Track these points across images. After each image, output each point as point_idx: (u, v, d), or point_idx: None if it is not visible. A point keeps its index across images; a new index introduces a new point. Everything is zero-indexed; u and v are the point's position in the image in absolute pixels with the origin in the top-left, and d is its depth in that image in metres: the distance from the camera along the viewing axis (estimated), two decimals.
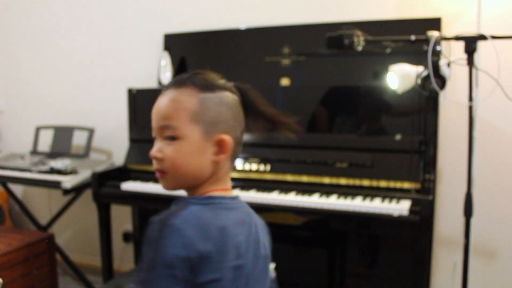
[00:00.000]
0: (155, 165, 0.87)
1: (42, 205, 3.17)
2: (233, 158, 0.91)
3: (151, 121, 0.88)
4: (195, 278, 0.77)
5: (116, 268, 2.72)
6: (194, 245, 0.76)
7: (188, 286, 0.76)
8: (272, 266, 1.58)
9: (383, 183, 1.89)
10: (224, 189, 0.91)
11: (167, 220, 0.78)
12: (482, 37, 1.55)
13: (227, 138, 0.86)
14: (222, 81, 0.91)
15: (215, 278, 0.79)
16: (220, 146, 0.86)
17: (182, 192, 0.92)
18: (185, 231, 0.77)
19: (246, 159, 2.11)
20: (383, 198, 1.84)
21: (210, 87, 0.87)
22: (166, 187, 0.88)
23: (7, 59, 3.26)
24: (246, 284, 0.84)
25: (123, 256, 2.87)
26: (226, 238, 0.81)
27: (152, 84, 2.70)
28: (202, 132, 0.85)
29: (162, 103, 0.86)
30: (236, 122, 0.89)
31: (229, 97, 0.89)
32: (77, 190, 2.42)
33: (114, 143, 2.90)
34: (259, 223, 0.95)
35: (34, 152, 2.87)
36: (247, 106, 0.93)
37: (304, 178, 2.01)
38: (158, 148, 0.85)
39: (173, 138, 0.84)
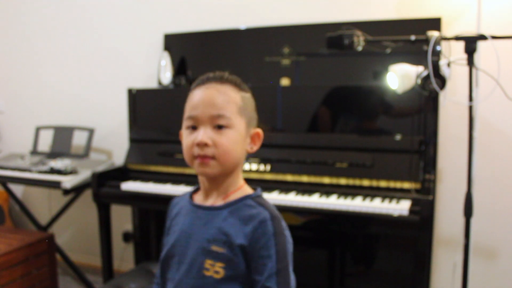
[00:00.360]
0: (201, 152, 0.93)
1: (42, 205, 3.17)
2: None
3: (195, 109, 0.95)
4: None
5: (116, 268, 2.72)
6: None
7: None
8: None
9: (383, 183, 1.89)
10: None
11: (278, 216, 0.95)
12: (482, 37, 1.55)
13: (261, 132, 1.00)
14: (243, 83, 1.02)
15: None
16: (254, 138, 0.99)
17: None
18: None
19: (246, 159, 2.10)
20: (383, 198, 1.83)
21: (244, 87, 1.00)
22: (211, 172, 0.95)
23: (7, 59, 3.26)
24: None
25: (123, 256, 2.87)
26: None
27: (152, 84, 2.70)
28: (246, 124, 0.97)
29: (212, 94, 0.95)
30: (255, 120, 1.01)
31: (252, 98, 1.02)
32: (77, 190, 2.42)
33: (114, 143, 2.90)
34: None
35: (34, 152, 2.87)
36: None
37: (304, 178, 2.01)
38: (207, 135, 0.92)
39: (222, 127, 0.93)
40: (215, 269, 0.93)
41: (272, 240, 0.92)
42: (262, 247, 0.92)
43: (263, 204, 0.97)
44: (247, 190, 1.01)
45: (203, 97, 0.95)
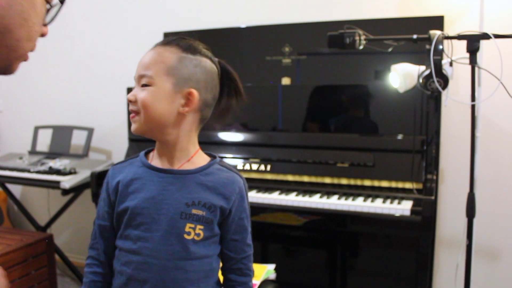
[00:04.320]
0: (130, 108, 0.99)
1: (40, 205, 3.16)
2: (201, 119, 1.02)
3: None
4: None
5: None
6: None
7: None
8: (272, 266, 1.56)
9: (384, 183, 1.88)
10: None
11: (244, 179, 1.06)
12: (485, 36, 1.54)
13: (195, 92, 0.97)
14: (205, 50, 1.03)
15: None
16: (187, 99, 0.97)
17: None
18: None
19: (246, 159, 2.09)
20: (385, 198, 1.82)
21: (192, 50, 1.01)
22: (136, 128, 0.98)
23: None
24: None
25: None
26: None
27: None
28: (173, 84, 0.96)
29: (146, 56, 1.02)
30: (208, 86, 1.00)
31: (207, 63, 1.01)
32: (76, 190, 2.40)
33: (113, 143, 2.88)
34: None
35: (33, 152, 2.85)
36: (226, 79, 1.07)
37: (305, 178, 1.99)
38: (132, 93, 0.99)
39: (145, 85, 0.97)
40: (196, 232, 0.97)
41: (246, 202, 1.04)
42: (242, 210, 1.02)
43: (230, 168, 1.05)
44: (204, 154, 1.05)
45: (140, 59, 1.04)
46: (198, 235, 0.97)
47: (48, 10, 0.77)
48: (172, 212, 0.97)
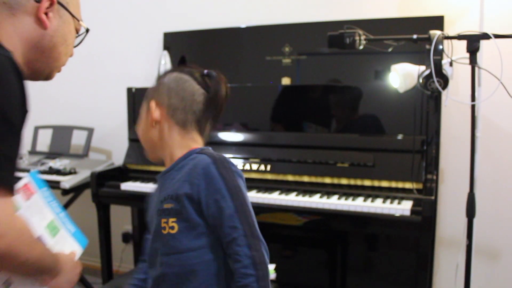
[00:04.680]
0: None
1: None
2: (178, 123, 1.06)
3: None
4: None
5: (116, 269, 2.70)
6: None
7: None
8: (272, 266, 1.56)
9: (384, 183, 1.88)
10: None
11: (222, 158, 1.01)
12: (485, 36, 1.54)
13: (152, 103, 1.07)
14: (187, 69, 1.12)
15: None
16: (150, 112, 1.08)
17: None
18: None
19: (246, 159, 2.09)
20: (385, 198, 1.82)
21: (163, 75, 1.13)
22: (146, 152, 1.16)
23: None
24: None
25: (123, 257, 2.85)
26: None
27: (152, 84, 2.68)
28: (145, 104, 1.13)
29: None
30: (171, 92, 1.07)
31: (171, 77, 1.10)
32: (76, 190, 2.40)
33: (113, 143, 2.88)
34: None
35: (33, 152, 2.85)
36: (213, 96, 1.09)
37: (305, 178, 1.99)
38: None
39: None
40: (170, 225, 0.98)
41: (220, 181, 0.96)
42: (214, 192, 0.96)
43: (205, 152, 1.02)
44: (194, 152, 1.06)
45: None
46: (172, 228, 0.98)
47: (76, 37, 1.05)
48: (153, 213, 1.05)
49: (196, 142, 1.08)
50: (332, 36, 1.70)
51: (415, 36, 1.63)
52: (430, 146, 1.91)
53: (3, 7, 0.89)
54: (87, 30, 1.08)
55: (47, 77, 1.03)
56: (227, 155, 2.12)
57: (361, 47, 1.69)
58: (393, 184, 1.87)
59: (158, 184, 1.09)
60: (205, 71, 1.11)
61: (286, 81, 2.30)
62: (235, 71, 2.45)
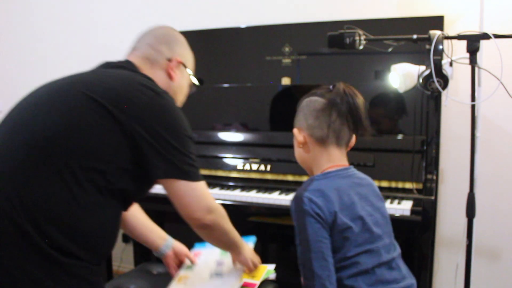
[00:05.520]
0: None
1: None
2: (320, 142, 1.19)
3: None
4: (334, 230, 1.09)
5: (115, 269, 2.70)
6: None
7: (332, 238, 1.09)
8: (272, 266, 1.56)
9: (384, 183, 1.88)
10: (336, 166, 1.19)
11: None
12: (485, 36, 1.54)
13: (296, 132, 1.22)
14: (314, 92, 1.23)
15: (346, 227, 1.09)
16: (295, 138, 1.23)
17: None
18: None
19: (246, 159, 2.09)
20: (385, 198, 1.81)
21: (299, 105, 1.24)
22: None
23: (5, 58, 3.24)
24: (376, 228, 1.14)
25: (123, 257, 2.85)
26: (342, 196, 1.12)
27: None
28: (293, 135, 1.25)
29: None
30: (307, 116, 1.20)
31: (303, 103, 1.23)
32: None
33: None
34: (373, 184, 1.25)
35: None
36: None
37: (305, 178, 1.99)
38: None
39: None
40: None
41: (294, 215, 1.15)
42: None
43: (308, 183, 1.22)
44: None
45: None
46: None
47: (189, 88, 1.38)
48: None
49: (330, 159, 1.19)
50: (332, 36, 1.70)
51: (415, 36, 1.62)
52: (430, 146, 1.91)
53: (146, 62, 1.27)
54: (198, 85, 1.39)
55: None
56: (227, 155, 2.14)
57: (361, 47, 1.69)
58: (393, 184, 1.87)
59: (364, 183, 1.23)
60: (331, 86, 1.21)
61: (286, 81, 2.30)
62: (235, 71, 2.44)
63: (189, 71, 1.34)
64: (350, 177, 1.18)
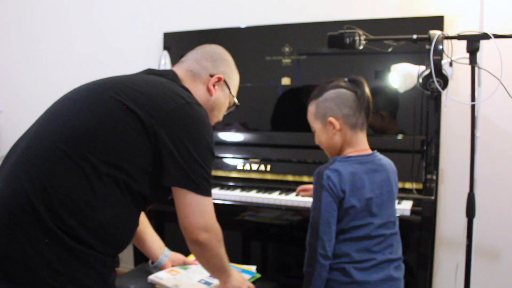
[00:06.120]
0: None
1: None
2: (352, 128, 1.35)
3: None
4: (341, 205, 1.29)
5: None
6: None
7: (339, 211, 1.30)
8: (253, 267, 1.57)
9: None
10: (358, 151, 1.36)
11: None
12: (485, 36, 1.53)
13: (333, 120, 1.34)
14: (335, 84, 1.37)
15: (351, 205, 1.29)
16: (332, 125, 1.35)
17: None
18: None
19: (246, 159, 2.09)
20: None
21: (318, 94, 1.39)
22: (328, 156, 1.42)
23: (6, 58, 3.24)
24: (376, 209, 1.31)
25: (123, 257, 2.84)
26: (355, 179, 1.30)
27: None
28: (321, 123, 1.38)
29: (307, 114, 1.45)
30: (340, 106, 1.34)
31: (331, 93, 1.36)
32: None
33: None
34: (390, 170, 1.40)
35: None
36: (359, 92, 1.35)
37: (305, 178, 1.99)
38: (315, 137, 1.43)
39: (315, 131, 1.41)
40: None
41: (314, 186, 1.35)
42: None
43: (330, 163, 1.35)
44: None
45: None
46: None
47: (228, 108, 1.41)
48: None
49: (357, 143, 1.37)
50: (332, 36, 1.70)
51: (415, 36, 1.62)
52: (430, 146, 1.91)
53: (189, 74, 1.30)
54: (238, 106, 1.41)
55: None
56: (227, 155, 2.14)
57: (361, 47, 1.69)
58: None
59: (384, 169, 1.39)
60: (346, 78, 1.39)
61: (286, 81, 2.30)
62: None
63: (231, 90, 1.37)
64: (367, 164, 1.34)
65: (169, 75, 1.25)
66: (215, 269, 1.31)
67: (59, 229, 1.03)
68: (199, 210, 1.14)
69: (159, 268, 1.58)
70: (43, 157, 1.08)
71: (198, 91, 1.28)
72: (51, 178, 1.05)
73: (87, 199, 1.05)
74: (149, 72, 1.29)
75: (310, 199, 1.84)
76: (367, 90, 1.36)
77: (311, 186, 1.59)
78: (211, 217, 1.18)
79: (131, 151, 1.09)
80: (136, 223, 1.21)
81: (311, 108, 1.41)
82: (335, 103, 1.35)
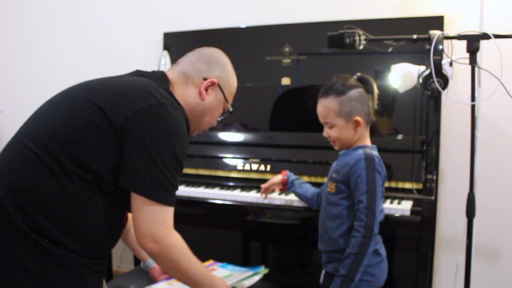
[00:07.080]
0: (328, 138, 1.53)
1: None
2: (367, 124, 1.51)
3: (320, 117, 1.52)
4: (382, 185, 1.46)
5: (115, 269, 2.70)
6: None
7: None
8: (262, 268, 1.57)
9: (384, 183, 1.88)
10: (366, 143, 1.52)
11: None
12: (485, 36, 1.53)
13: (359, 119, 1.46)
14: (352, 82, 1.48)
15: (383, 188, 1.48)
16: (357, 124, 1.47)
17: None
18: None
19: (246, 159, 2.09)
20: (385, 198, 1.82)
21: (343, 92, 1.46)
22: (339, 148, 1.54)
23: (5, 58, 3.24)
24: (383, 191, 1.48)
25: (123, 257, 2.85)
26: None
27: None
28: (344, 120, 1.47)
29: (319, 109, 1.51)
30: (363, 105, 1.48)
31: (355, 93, 1.47)
32: None
33: None
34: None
35: None
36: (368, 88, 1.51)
37: (305, 178, 1.99)
38: (326, 132, 1.52)
39: (331, 127, 1.49)
40: (331, 187, 1.51)
41: (363, 171, 1.42)
42: (357, 176, 1.42)
43: (365, 150, 1.48)
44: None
45: (317, 111, 1.54)
46: (332, 189, 1.51)
47: (222, 114, 1.35)
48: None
49: (368, 136, 1.52)
50: (332, 36, 1.70)
51: (415, 36, 1.62)
52: (430, 146, 1.91)
53: (182, 76, 1.25)
54: (231, 112, 1.35)
55: (193, 132, 1.32)
56: (227, 155, 2.14)
57: (361, 47, 1.69)
58: (393, 184, 1.87)
59: (339, 157, 1.54)
60: (355, 76, 1.50)
61: (286, 81, 2.30)
62: (235, 71, 2.44)
63: (226, 96, 1.31)
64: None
65: (155, 76, 1.20)
66: (187, 283, 1.19)
67: (32, 229, 1.02)
68: (149, 217, 1.06)
69: (147, 271, 1.54)
70: (16, 159, 1.09)
71: (189, 95, 1.24)
72: (21, 178, 1.05)
73: (58, 200, 1.04)
74: (136, 73, 1.25)
75: None
76: (375, 88, 1.50)
77: (270, 183, 1.79)
78: (162, 229, 1.07)
79: (99, 151, 1.06)
80: (118, 224, 1.17)
81: (332, 105, 1.46)
82: (359, 102, 1.47)
